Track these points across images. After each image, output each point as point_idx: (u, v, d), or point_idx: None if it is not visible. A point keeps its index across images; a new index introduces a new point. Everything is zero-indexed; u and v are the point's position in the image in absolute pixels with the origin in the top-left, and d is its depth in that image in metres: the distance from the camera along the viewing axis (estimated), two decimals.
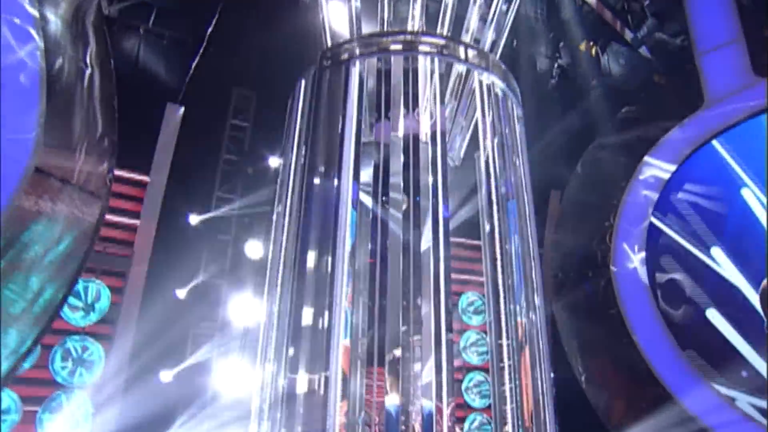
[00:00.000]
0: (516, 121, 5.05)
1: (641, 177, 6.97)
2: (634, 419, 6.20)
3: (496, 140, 5.27)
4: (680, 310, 6.49)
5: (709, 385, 5.90)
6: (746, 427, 5.65)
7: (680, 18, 8.11)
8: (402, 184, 4.55)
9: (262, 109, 8.44)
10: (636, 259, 6.71)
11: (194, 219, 7.22)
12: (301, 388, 4.04)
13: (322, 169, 4.67)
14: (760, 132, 6.60)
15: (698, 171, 6.86)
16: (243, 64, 8.35)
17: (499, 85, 4.78)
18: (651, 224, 6.84)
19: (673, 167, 6.85)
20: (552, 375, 4.39)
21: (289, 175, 4.97)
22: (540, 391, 4.12)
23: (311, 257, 4.44)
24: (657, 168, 6.91)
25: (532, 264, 4.55)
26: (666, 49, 9.12)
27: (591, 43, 9.24)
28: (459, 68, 4.99)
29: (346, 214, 4.59)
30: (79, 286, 6.12)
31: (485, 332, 5.11)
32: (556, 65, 8.75)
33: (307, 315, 4.29)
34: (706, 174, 6.80)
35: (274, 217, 5.08)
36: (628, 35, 9.62)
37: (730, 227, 6.48)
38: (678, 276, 6.58)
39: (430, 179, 4.37)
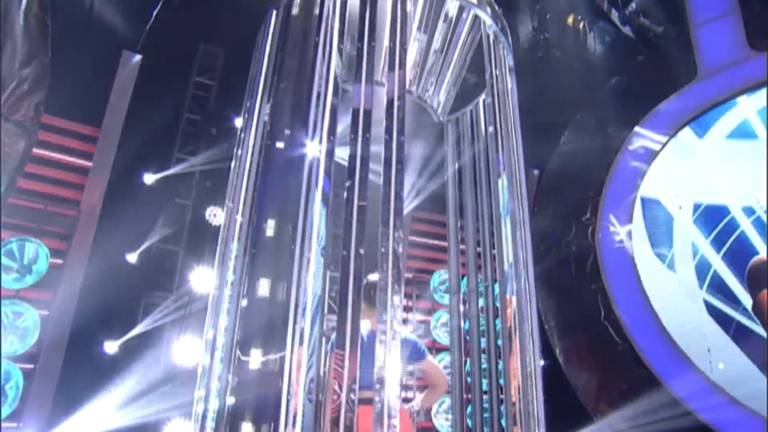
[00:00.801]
0: (507, 72, 4.61)
1: (631, 148, 6.67)
2: (615, 401, 5.93)
3: (483, 96, 4.86)
4: (666, 285, 6.23)
5: (695, 368, 5.65)
6: (733, 411, 5.42)
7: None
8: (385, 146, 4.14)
9: (230, 69, 7.84)
10: (622, 232, 6.43)
11: (149, 178, 6.59)
12: (252, 370, 3.68)
13: (288, 128, 4.28)
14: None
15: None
16: (211, 18, 7.71)
17: (490, 24, 4.31)
18: (640, 196, 6.54)
19: (664, 138, 6.55)
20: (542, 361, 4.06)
21: (249, 131, 4.62)
22: (530, 371, 3.80)
23: (270, 227, 4.12)
24: (647, 139, 6.61)
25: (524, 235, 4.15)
26: (650, 30, 8.84)
27: (578, 18, 8.91)
28: (449, 7, 4.48)
29: (318, 179, 4.24)
30: (14, 245, 5.45)
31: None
32: (542, 38, 8.38)
33: (263, 288, 3.99)
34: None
35: (231, 178, 4.76)
36: (614, 14, 9.33)
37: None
38: (665, 251, 6.31)
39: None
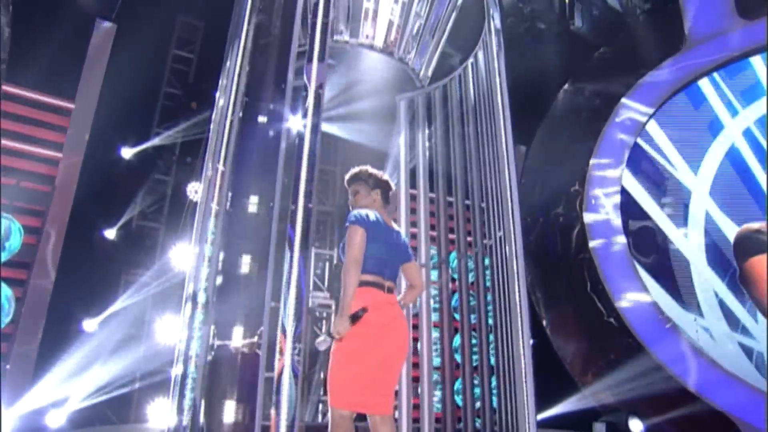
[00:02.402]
0: (493, 33, 4.40)
1: (617, 119, 6.53)
2: (602, 370, 5.89)
3: (470, 61, 4.67)
4: (650, 258, 6.15)
5: (679, 334, 5.62)
6: (714, 374, 5.42)
7: None
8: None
9: (210, 42, 7.52)
10: (609, 204, 6.33)
11: (127, 152, 6.30)
12: (231, 348, 3.62)
13: (265, 101, 4.15)
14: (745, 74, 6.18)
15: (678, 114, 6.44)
16: None
17: None
18: (626, 168, 6.42)
19: (651, 110, 6.41)
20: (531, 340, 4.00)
21: (228, 105, 4.46)
22: (520, 345, 3.72)
23: (249, 204, 4.04)
24: (634, 111, 6.47)
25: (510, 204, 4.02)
26: (638, 5, 8.62)
27: None
28: None
29: (283, 155, 4.15)
30: None
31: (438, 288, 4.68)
32: (527, 10, 8.14)
33: (243, 265, 3.92)
34: (686, 117, 6.38)
35: (207, 156, 4.63)
36: None
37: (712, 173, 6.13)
38: (650, 224, 6.22)
39: None
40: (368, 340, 2.35)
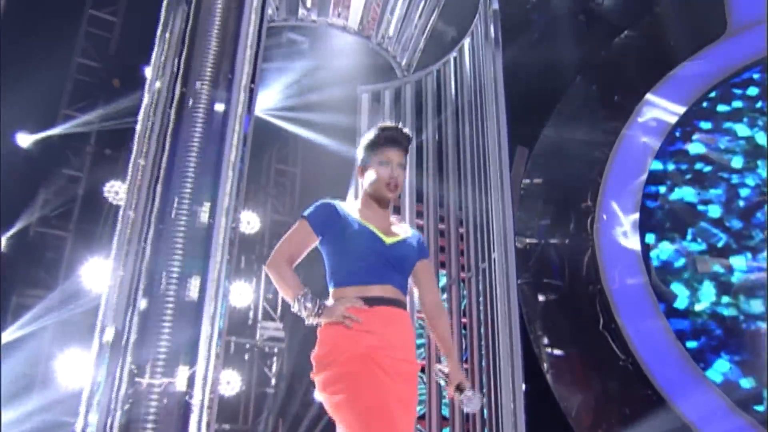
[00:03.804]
0: (490, 18, 4.44)
1: (640, 120, 6.63)
2: (614, 427, 5.94)
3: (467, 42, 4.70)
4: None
5: (711, 388, 5.69)
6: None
7: None
8: None
9: (140, 1, 7.40)
10: (627, 223, 6.39)
11: (25, 140, 6.17)
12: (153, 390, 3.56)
13: (198, 81, 4.11)
14: None
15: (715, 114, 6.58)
16: None
17: None
18: (649, 179, 6.51)
19: (682, 108, 6.52)
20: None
21: (155, 89, 4.43)
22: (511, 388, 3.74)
23: (179, 210, 4.02)
24: (661, 109, 6.58)
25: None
26: None
27: None
28: None
29: (235, 150, 4.16)
30: None
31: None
32: None
33: (167, 286, 3.90)
34: (724, 118, 6.52)
35: (137, 149, 4.60)
36: None
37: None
38: (679, 246, 6.31)
39: None
40: None
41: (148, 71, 7.30)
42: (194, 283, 4.08)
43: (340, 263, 2.35)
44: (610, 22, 7.95)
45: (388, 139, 2.44)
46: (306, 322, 2.32)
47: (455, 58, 4.84)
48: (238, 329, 8.32)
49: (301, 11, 4.50)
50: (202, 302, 3.94)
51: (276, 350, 9.17)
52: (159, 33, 4.48)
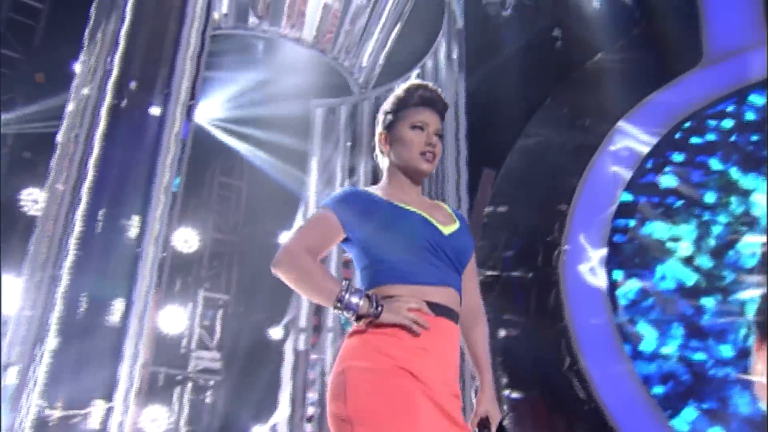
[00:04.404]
0: (454, 37, 4.56)
1: (611, 148, 6.83)
2: None
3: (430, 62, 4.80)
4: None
5: None
6: None
7: None
8: None
9: None
10: (594, 257, 6.55)
11: None
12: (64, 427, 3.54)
13: (134, 85, 4.12)
14: None
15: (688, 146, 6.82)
16: None
17: None
18: (618, 211, 6.67)
19: (655, 139, 6.76)
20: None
21: (83, 94, 4.42)
22: None
23: (105, 223, 4.01)
24: (633, 138, 6.80)
25: None
26: None
27: None
28: None
29: (171, 160, 4.17)
30: None
31: None
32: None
33: (88, 310, 3.88)
34: (697, 151, 6.77)
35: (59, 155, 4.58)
36: None
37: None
38: (648, 284, 6.49)
39: None
40: None
41: (77, 68, 7.23)
42: (117, 307, 4.01)
43: (383, 258, 1.92)
44: (585, 42, 8.21)
45: (422, 98, 2.08)
46: (351, 327, 1.88)
47: (417, 76, 4.94)
48: (168, 359, 8.16)
49: (252, 20, 4.53)
50: (125, 328, 3.87)
51: (211, 383, 9.01)
52: (89, 33, 4.43)
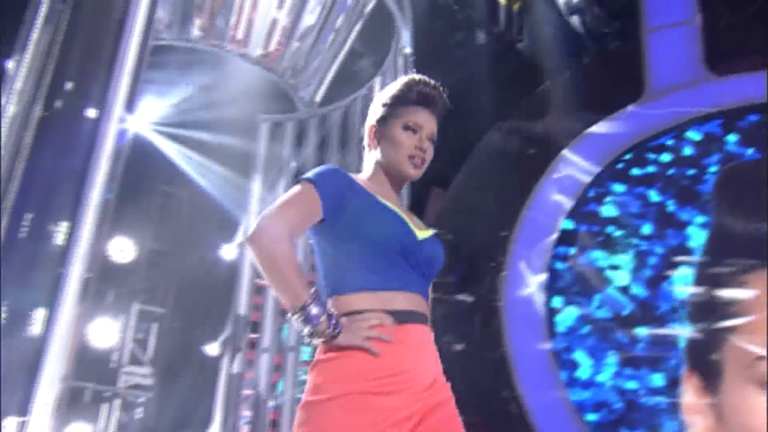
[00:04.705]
0: (402, 59, 4.65)
1: (555, 176, 7.02)
2: None
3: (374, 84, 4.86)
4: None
5: None
6: None
7: None
8: None
9: None
10: (534, 284, 6.71)
11: None
12: None
13: (69, 86, 4.07)
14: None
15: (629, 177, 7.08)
16: None
17: None
18: (559, 239, 6.87)
19: (597, 168, 6.99)
20: None
21: (32, 88, 4.31)
22: None
23: (32, 228, 3.93)
24: (576, 167, 7.01)
25: None
26: (603, 27, 9.48)
27: None
28: None
29: (105, 164, 4.13)
30: None
31: None
32: (462, 17, 8.67)
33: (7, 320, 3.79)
34: (637, 183, 7.02)
35: None
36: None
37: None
38: (585, 312, 6.68)
39: None
40: None
41: (10, 66, 7.06)
42: (38, 317, 3.88)
43: (350, 258, 1.81)
44: (535, 68, 8.45)
45: (421, 96, 1.96)
46: (306, 342, 1.77)
47: (364, 97, 5.00)
48: (96, 374, 7.93)
49: (195, 32, 4.52)
50: (45, 340, 3.75)
51: (141, 400, 8.78)
52: (23, 32, 4.34)
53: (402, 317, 1.81)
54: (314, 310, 1.70)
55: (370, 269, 1.81)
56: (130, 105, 4.18)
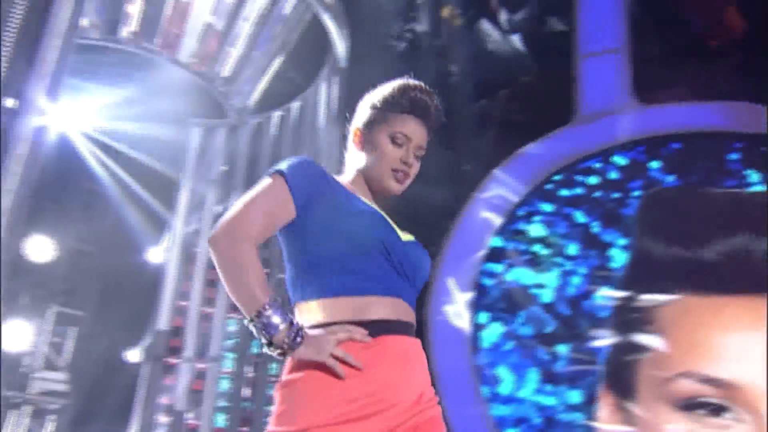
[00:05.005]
0: (335, 74, 4.72)
1: (485, 195, 7.21)
2: None
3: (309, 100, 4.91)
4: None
5: None
6: None
7: (567, 11, 8.76)
8: None
9: None
10: (460, 300, 6.87)
11: None
12: None
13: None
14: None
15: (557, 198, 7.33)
16: None
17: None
18: (487, 256, 7.07)
19: (526, 188, 7.21)
20: None
21: None
22: None
23: None
24: (506, 186, 7.21)
25: None
26: (543, 46, 9.81)
27: (457, 12, 9.53)
28: None
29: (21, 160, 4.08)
30: None
31: None
32: (406, 27, 8.82)
33: None
34: (565, 203, 7.29)
35: None
36: (504, 16, 10.17)
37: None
38: (509, 329, 6.88)
39: None
40: None
41: None
42: None
43: (324, 259, 1.64)
44: (474, 85, 8.67)
45: (414, 104, 1.82)
46: (263, 350, 1.57)
47: (298, 109, 5.06)
48: (6, 379, 7.68)
49: (125, 34, 4.48)
50: None
51: (54, 407, 8.54)
52: None
53: (380, 328, 1.63)
54: (273, 316, 1.52)
55: (347, 271, 1.64)
56: (52, 97, 4.11)
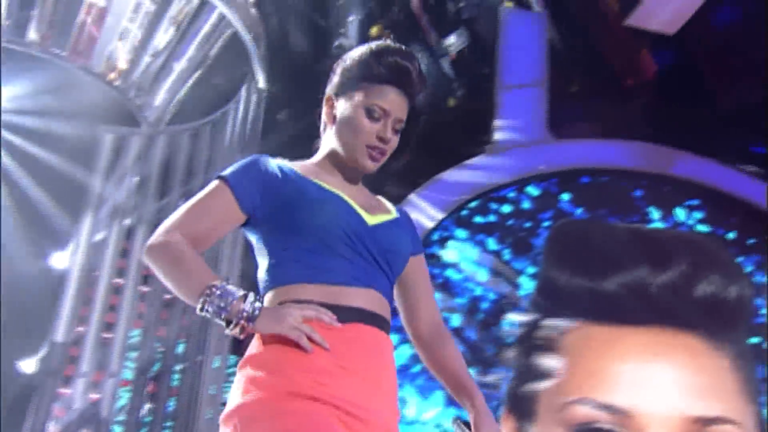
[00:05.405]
0: (254, 94, 4.83)
1: None
2: None
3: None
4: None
5: None
6: None
7: (492, 39, 9.16)
8: None
9: None
10: None
11: None
12: None
13: None
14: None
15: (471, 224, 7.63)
16: None
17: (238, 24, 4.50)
18: None
19: (442, 214, 7.46)
20: None
21: None
22: None
23: None
24: (421, 212, 7.45)
25: None
26: (469, 73, 10.19)
27: (387, 32, 9.78)
28: None
29: None
30: None
31: None
32: (336, 43, 8.96)
33: None
34: (478, 230, 7.59)
35: None
36: (433, 39, 10.50)
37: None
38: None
39: None
40: None
41: None
42: None
43: (287, 247, 1.56)
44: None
45: (393, 71, 1.65)
46: (226, 332, 1.42)
47: (216, 124, 5.12)
48: None
49: (33, 35, 4.43)
50: None
51: None
52: None
53: (349, 315, 1.52)
54: (227, 286, 1.42)
55: (312, 259, 1.54)
56: None
